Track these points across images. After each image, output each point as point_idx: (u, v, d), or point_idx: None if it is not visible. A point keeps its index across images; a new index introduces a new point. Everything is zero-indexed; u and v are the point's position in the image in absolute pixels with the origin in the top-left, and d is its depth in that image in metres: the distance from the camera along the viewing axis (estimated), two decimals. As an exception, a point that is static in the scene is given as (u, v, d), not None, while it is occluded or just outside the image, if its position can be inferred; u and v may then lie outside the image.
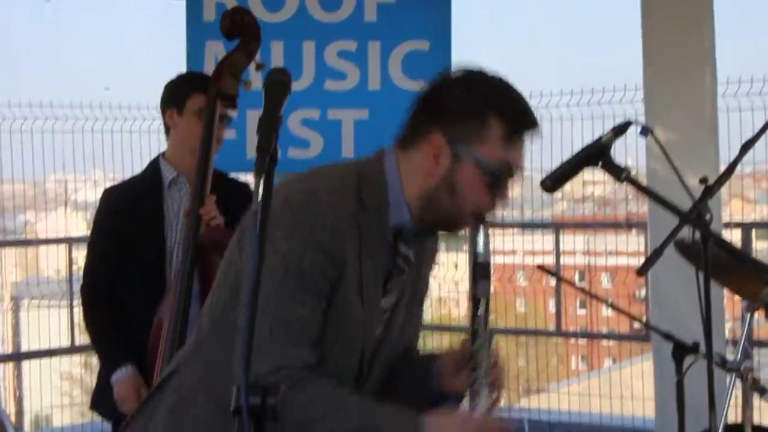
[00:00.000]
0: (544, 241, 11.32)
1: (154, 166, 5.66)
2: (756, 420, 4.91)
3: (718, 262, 4.42)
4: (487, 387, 3.12)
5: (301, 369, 2.88)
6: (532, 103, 3.07)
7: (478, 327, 3.21)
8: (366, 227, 3.06)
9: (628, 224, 10.70)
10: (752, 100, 8.72)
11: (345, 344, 3.12)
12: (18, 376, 8.91)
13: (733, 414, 5.23)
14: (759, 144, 4.47)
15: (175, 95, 5.55)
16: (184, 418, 3.06)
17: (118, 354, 5.42)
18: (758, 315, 4.74)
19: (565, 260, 10.62)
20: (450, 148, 3.01)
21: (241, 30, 5.43)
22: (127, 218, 5.55)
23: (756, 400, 4.87)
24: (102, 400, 5.73)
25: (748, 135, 4.37)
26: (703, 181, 4.16)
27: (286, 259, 2.85)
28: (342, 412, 2.97)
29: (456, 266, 11.93)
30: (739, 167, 4.54)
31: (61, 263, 9.75)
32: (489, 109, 2.99)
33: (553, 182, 3.13)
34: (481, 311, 3.16)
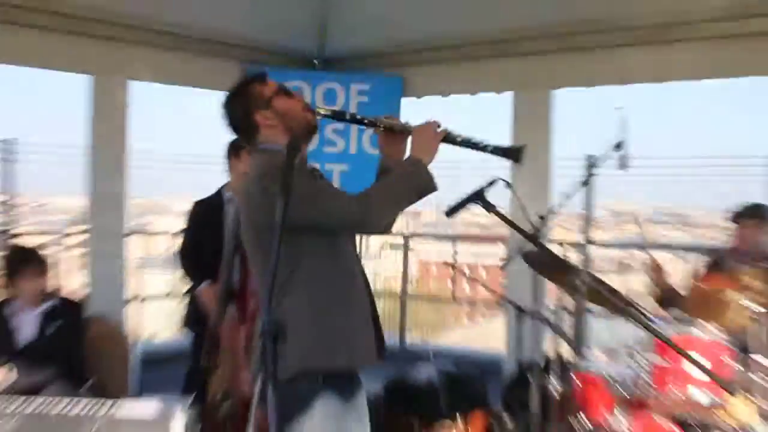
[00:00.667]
0: (451, 248, 11.37)
1: (219, 190, 5.86)
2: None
3: (544, 264, 4.70)
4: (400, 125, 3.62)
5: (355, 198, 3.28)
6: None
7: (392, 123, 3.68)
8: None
9: (497, 239, 10.80)
10: (577, 170, 8.67)
11: None
12: (140, 314, 8.99)
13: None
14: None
15: (234, 148, 5.73)
16: None
17: (200, 278, 5.70)
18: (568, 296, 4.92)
19: (459, 259, 10.70)
20: (269, 113, 3.47)
21: None
22: (202, 220, 5.86)
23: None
24: (188, 320, 6.03)
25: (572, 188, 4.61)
26: (542, 217, 4.45)
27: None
28: (385, 184, 3.46)
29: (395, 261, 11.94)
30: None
31: (165, 247, 9.90)
32: (253, 90, 3.56)
33: (452, 211, 3.43)
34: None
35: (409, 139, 3.56)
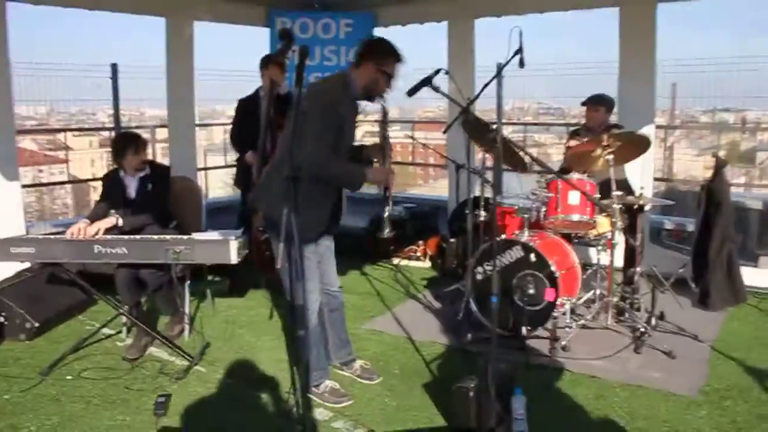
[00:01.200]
0: (411, 131, 11.06)
1: (256, 91, 5.61)
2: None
3: (474, 129, 4.60)
4: (387, 159, 3.50)
5: (328, 154, 3.24)
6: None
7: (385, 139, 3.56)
8: (347, 99, 3.35)
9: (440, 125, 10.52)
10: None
11: (345, 144, 3.45)
12: (206, 178, 8.94)
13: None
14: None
15: (263, 63, 5.51)
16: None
17: (244, 149, 5.56)
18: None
19: (417, 136, 10.45)
20: (375, 69, 3.33)
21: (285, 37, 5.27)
22: (245, 111, 5.62)
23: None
24: (237, 180, 5.90)
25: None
26: (469, 99, 4.30)
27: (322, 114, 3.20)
28: (343, 167, 3.38)
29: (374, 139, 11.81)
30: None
31: (221, 137, 9.70)
32: (388, 54, 3.35)
33: (411, 92, 3.33)
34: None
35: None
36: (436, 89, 3.25)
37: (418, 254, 6.53)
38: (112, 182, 4.61)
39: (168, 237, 4.03)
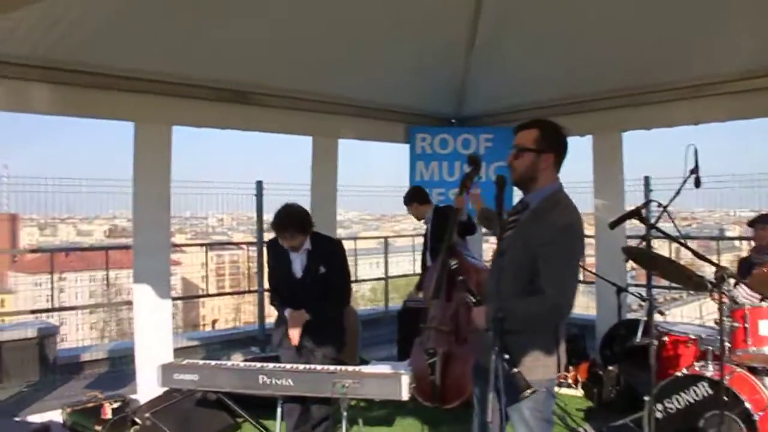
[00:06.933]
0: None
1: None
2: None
3: (651, 258, 4.26)
4: None
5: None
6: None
7: None
8: None
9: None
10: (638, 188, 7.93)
11: None
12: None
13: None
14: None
15: (417, 198, 5.61)
16: None
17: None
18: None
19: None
20: None
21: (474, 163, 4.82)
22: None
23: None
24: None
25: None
26: (650, 227, 4.00)
27: None
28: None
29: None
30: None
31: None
32: None
33: (613, 225, 3.05)
34: None
35: None
36: (643, 220, 2.98)
37: (569, 381, 6.04)
38: (277, 253, 4.19)
39: (333, 368, 3.81)
